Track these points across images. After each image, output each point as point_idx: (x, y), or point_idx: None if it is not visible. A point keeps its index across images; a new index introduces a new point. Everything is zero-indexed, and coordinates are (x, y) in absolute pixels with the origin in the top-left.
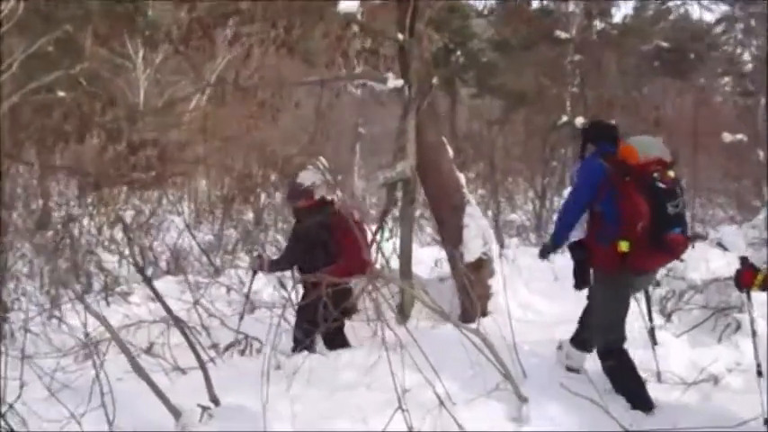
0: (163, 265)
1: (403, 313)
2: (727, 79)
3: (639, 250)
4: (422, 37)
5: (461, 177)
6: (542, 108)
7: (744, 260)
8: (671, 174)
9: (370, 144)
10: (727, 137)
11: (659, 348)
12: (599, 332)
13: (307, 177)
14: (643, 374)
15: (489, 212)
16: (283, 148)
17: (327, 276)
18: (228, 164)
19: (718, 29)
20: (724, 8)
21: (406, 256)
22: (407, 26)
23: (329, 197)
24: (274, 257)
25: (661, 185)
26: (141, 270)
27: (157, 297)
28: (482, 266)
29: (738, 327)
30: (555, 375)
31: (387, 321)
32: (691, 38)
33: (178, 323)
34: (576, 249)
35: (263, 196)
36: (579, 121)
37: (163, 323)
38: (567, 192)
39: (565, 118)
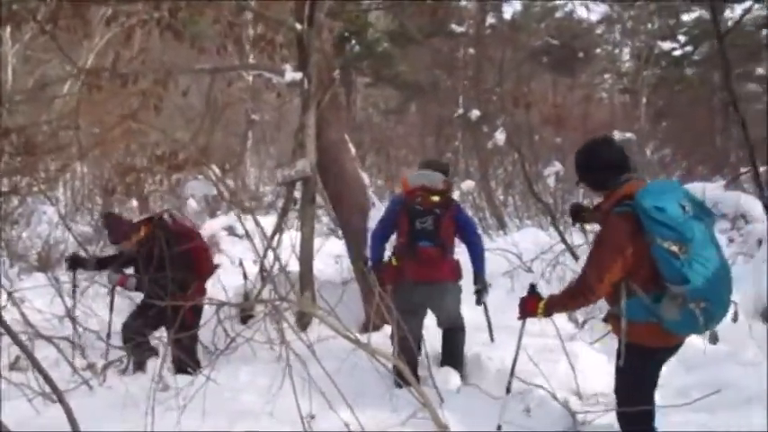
0: (33, 259)
1: (303, 321)
2: (607, 76)
3: (405, 261)
4: (322, 27)
5: (365, 177)
6: (437, 100)
7: (532, 287)
8: (434, 198)
9: (264, 131)
10: (617, 135)
11: (575, 362)
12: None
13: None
14: (564, 394)
15: (386, 202)
16: (170, 137)
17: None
18: (108, 152)
19: (599, 29)
20: (604, 8)
21: (306, 258)
22: (306, 15)
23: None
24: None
25: (417, 207)
26: None
27: (7, 330)
28: None
29: None
30: (472, 399)
31: (290, 345)
32: (573, 36)
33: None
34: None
35: (148, 182)
36: (475, 113)
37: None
38: None
39: (460, 110)
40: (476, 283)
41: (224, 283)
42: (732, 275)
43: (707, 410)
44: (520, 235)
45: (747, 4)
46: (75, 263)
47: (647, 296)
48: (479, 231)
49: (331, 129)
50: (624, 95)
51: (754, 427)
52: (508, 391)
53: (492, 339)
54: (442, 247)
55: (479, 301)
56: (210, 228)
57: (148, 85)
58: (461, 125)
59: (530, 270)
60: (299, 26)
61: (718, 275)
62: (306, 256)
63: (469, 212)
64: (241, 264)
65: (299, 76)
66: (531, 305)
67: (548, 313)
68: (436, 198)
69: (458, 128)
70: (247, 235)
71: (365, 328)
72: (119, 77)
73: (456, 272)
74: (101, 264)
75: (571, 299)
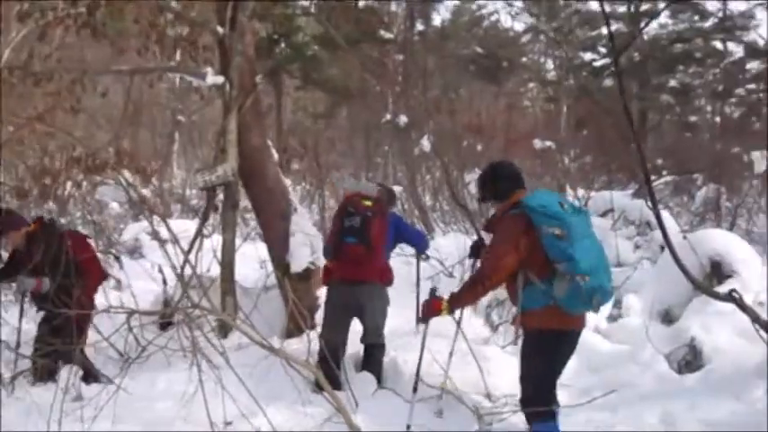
0: None
1: (224, 328)
2: (532, 85)
3: (336, 260)
4: (244, 31)
5: (288, 183)
6: (366, 105)
7: (432, 291)
8: (366, 203)
9: (191, 132)
10: (537, 143)
11: (487, 364)
12: (323, 330)
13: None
14: (475, 396)
15: (315, 206)
16: (90, 138)
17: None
18: (21, 154)
19: (525, 39)
20: (530, 19)
21: (228, 264)
22: (228, 18)
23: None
24: None
25: (350, 209)
26: None
27: None
28: (310, 277)
29: None
30: (386, 402)
31: (203, 352)
32: (498, 45)
33: None
34: None
35: (68, 185)
36: (402, 119)
37: None
38: None
39: (388, 116)
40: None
41: (135, 290)
42: (607, 260)
43: (609, 409)
44: (444, 240)
45: (671, 14)
46: None
47: (542, 283)
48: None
49: (253, 133)
50: (548, 104)
51: (645, 426)
52: (415, 390)
53: (418, 322)
54: (368, 247)
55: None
56: (132, 231)
57: (66, 84)
58: (390, 131)
59: (451, 275)
60: (220, 29)
61: (596, 257)
62: (227, 262)
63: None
64: (160, 270)
65: (220, 79)
66: (435, 305)
67: (452, 309)
68: (368, 203)
69: (387, 133)
70: (158, 239)
71: (289, 334)
72: (32, 76)
73: (385, 275)
74: None
75: (471, 288)
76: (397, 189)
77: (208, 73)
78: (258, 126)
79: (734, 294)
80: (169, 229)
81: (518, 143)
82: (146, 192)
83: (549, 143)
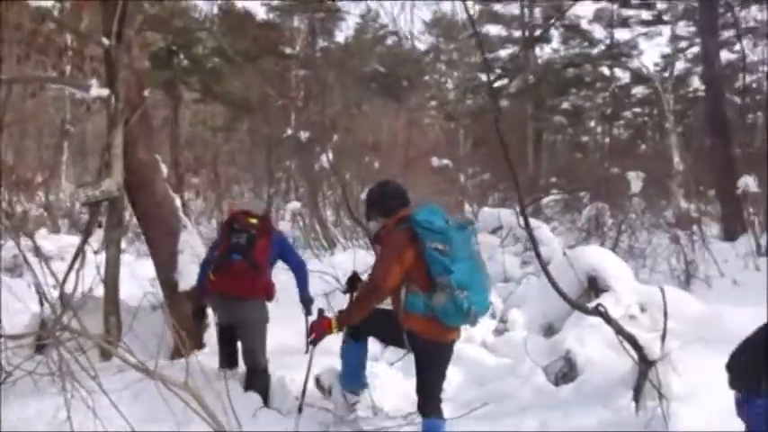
0: None
1: (106, 350)
2: (433, 103)
3: (218, 275)
4: (131, 44)
5: (177, 199)
6: (267, 119)
7: (320, 312)
8: (252, 221)
9: (81, 143)
10: (435, 161)
11: (374, 380)
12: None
13: None
14: (363, 411)
15: (214, 221)
16: None
17: None
18: None
19: (426, 59)
20: (431, 39)
21: (111, 282)
22: (114, 30)
23: None
24: None
25: (236, 226)
26: None
27: None
28: None
29: None
30: (270, 422)
31: (74, 376)
32: (400, 63)
33: None
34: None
35: None
36: (304, 135)
37: None
38: None
39: (289, 131)
40: (301, 299)
41: (12, 311)
42: (486, 275)
43: (490, 419)
44: (342, 256)
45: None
46: None
47: (424, 294)
48: (299, 253)
49: (140, 147)
50: (448, 123)
51: (524, 426)
52: (300, 410)
53: (307, 351)
54: (252, 264)
55: (308, 312)
56: (12, 248)
57: None
58: (292, 145)
59: (346, 292)
60: (106, 41)
61: (474, 272)
62: (111, 281)
63: (298, 233)
64: (37, 289)
65: (105, 92)
66: (325, 324)
67: (341, 326)
68: (254, 221)
69: (288, 148)
70: (26, 260)
71: (174, 355)
72: None
73: (266, 290)
74: None
75: (360, 302)
76: (295, 205)
77: (92, 85)
78: (146, 140)
79: (600, 308)
80: (37, 248)
81: (417, 160)
82: (30, 205)
83: (446, 161)
